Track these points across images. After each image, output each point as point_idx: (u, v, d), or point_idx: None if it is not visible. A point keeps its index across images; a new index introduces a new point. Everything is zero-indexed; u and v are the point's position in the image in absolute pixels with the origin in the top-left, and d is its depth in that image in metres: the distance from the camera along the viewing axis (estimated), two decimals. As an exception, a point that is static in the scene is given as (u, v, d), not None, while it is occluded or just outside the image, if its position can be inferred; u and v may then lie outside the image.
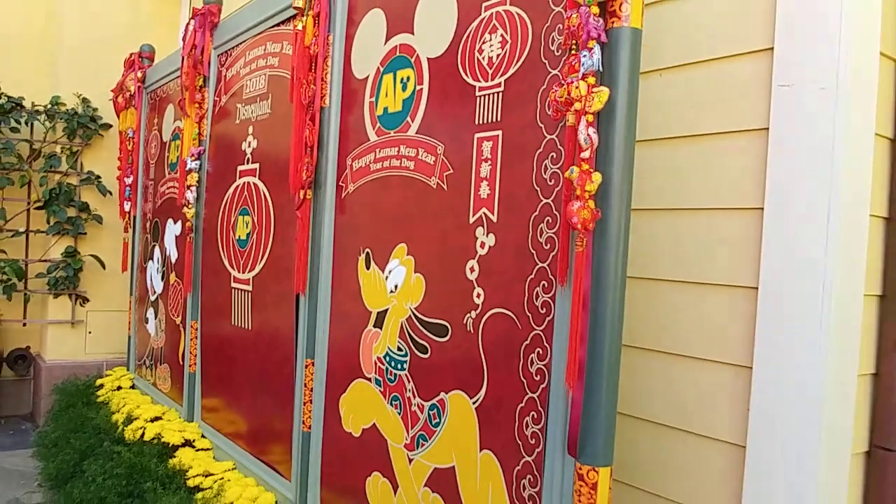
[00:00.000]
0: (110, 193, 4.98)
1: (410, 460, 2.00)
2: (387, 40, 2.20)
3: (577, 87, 1.42)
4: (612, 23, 1.45)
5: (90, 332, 5.03)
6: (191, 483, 2.92)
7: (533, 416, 1.62)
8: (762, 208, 1.62)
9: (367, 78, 2.29)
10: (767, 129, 1.61)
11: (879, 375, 1.68)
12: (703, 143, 1.78)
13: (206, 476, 2.98)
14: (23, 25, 5.03)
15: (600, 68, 1.41)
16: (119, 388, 4.38)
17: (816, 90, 1.52)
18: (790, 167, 1.57)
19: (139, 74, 4.52)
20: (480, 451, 1.76)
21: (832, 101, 1.51)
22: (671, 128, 1.86)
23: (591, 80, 1.41)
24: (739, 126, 1.69)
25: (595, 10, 1.41)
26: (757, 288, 1.63)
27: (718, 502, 1.72)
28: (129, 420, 3.64)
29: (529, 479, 1.62)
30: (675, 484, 1.86)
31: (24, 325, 5.00)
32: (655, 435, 1.91)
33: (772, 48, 1.62)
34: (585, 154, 1.41)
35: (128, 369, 4.65)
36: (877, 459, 1.66)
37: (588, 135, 1.41)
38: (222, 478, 2.93)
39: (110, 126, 5.00)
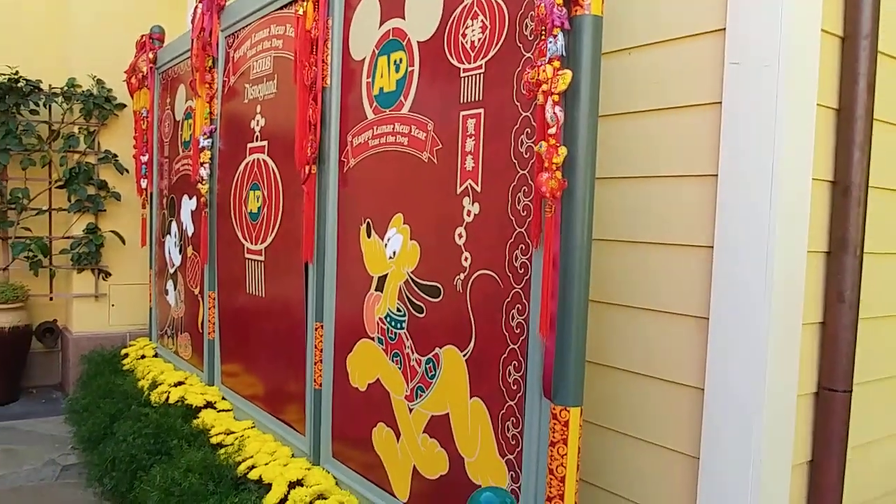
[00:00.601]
0: (127, 171, 5.19)
1: (410, 410, 2.20)
2: (381, 24, 2.36)
3: (543, 71, 1.59)
4: (576, 11, 1.61)
5: (113, 305, 5.28)
6: (213, 440, 3.15)
7: (514, 364, 1.82)
8: (716, 175, 1.80)
9: (363, 59, 2.46)
10: (720, 102, 1.78)
11: (826, 324, 1.86)
12: (666, 116, 1.94)
13: (228, 434, 3.21)
14: (36, 11, 5.21)
15: (563, 53, 1.57)
16: (143, 356, 4.63)
17: (761, 67, 1.68)
18: (740, 137, 1.74)
19: (150, 56, 4.69)
20: (471, 398, 1.96)
21: (774, 77, 1.66)
22: (638, 102, 2.02)
23: (556, 63, 1.58)
24: (697, 100, 1.85)
25: (559, 0, 1.57)
26: (712, 247, 1.81)
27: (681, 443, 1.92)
28: (154, 385, 3.88)
29: (513, 420, 1.82)
30: (639, 426, 2.06)
31: (51, 299, 5.26)
32: (623, 381, 2.11)
33: (724, 28, 1.78)
34: (552, 130, 1.58)
35: (150, 339, 4.89)
36: (824, 398, 1.85)
37: (554, 113, 1.58)
38: (242, 435, 3.16)
39: (125, 106, 5.19)
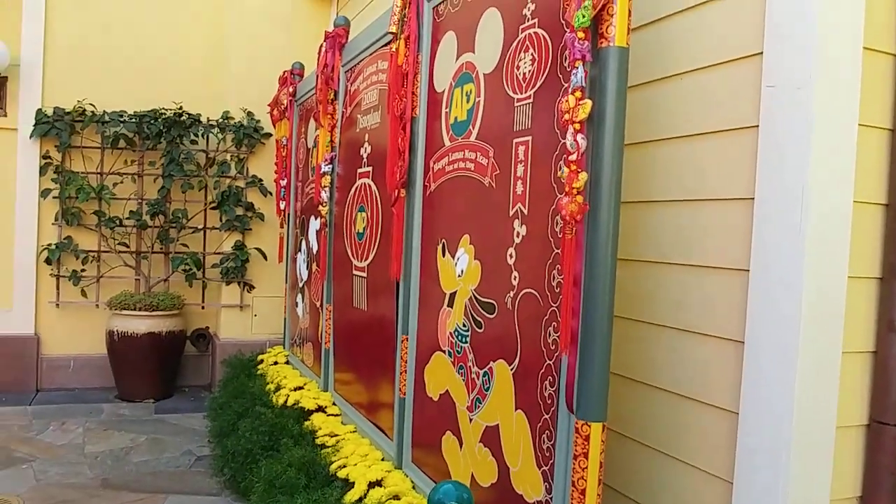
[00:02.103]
0: (270, 194, 5.72)
1: (470, 420, 2.33)
2: (457, 58, 2.54)
3: (566, 101, 1.69)
4: (602, 43, 1.70)
5: (255, 315, 5.81)
6: (318, 441, 3.42)
7: (550, 379, 1.90)
8: (753, 198, 1.79)
9: (443, 91, 2.64)
10: (758, 126, 1.78)
11: (877, 354, 1.78)
12: (707, 140, 1.96)
13: (332, 436, 3.47)
14: (198, 56, 5.90)
15: (584, 84, 1.67)
16: (275, 363, 5.06)
17: (794, 89, 1.67)
18: (774, 160, 1.73)
19: (290, 90, 5.17)
20: (515, 410, 2.06)
21: (808, 99, 1.65)
22: (683, 126, 2.05)
23: (578, 94, 1.68)
24: (736, 124, 1.86)
25: (580, 34, 1.67)
26: (748, 270, 1.80)
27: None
28: (277, 388, 4.25)
29: (547, 433, 1.90)
30: (673, 444, 2.07)
31: (203, 308, 5.87)
32: (660, 399, 2.13)
33: (762, 52, 1.78)
34: (573, 157, 1.68)
35: (283, 347, 5.33)
36: (875, 431, 1.77)
37: (575, 140, 1.67)
38: (343, 437, 3.42)
39: (270, 135, 5.73)
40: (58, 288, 5.63)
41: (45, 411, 5.07)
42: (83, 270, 5.61)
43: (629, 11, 1.70)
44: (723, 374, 1.91)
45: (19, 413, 5.02)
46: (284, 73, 5.26)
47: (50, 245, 5.54)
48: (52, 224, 5.59)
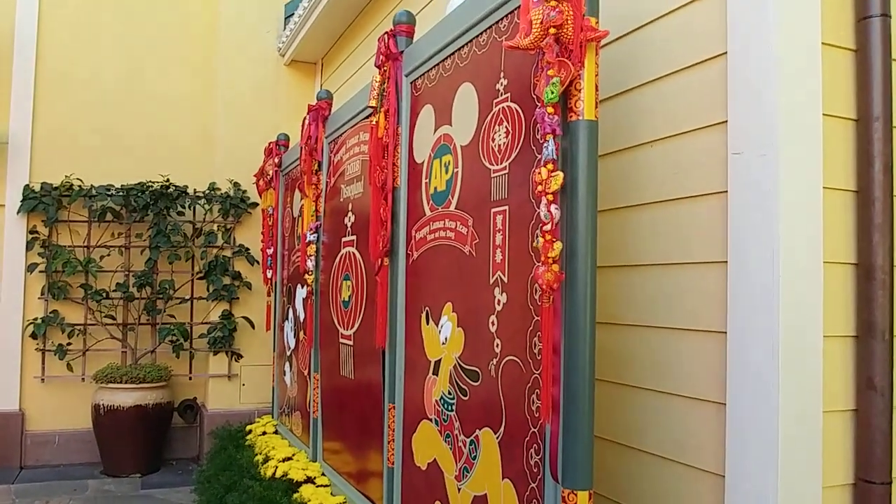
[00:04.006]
0: (257, 262, 5.75)
1: (459, 489, 2.31)
2: (435, 130, 2.61)
3: (539, 173, 1.74)
4: (571, 117, 1.76)
5: (244, 385, 5.76)
6: (307, 514, 3.37)
7: (535, 447, 1.90)
8: (726, 262, 1.84)
9: (423, 162, 2.70)
10: (727, 191, 1.84)
11: (858, 412, 1.80)
12: (680, 205, 2.02)
13: (321, 508, 3.42)
14: (184, 129, 6.01)
15: (554, 156, 1.72)
16: (264, 433, 4.99)
17: (758, 156, 1.73)
18: (743, 224, 1.78)
19: (276, 160, 5.25)
20: (503, 479, 2.05)
21: (773, 164, 1.71)
22: (657, 192, 2.11)
23: (550, 166, 1.73)
24: (707, 190, 1.92)
25: (550, 109, 1.73)
26: (725, 332, 1.83)
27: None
28: (266, 460, 4.19)
29: (535, 502, 1.89)
30: None
31: (190, 378, 5.82)
32: (647, 463, 2.13)
33: (726, 121, 1.85)
34: (547, 227, 1.72)
35: (272, 416, 5.27)
36: (861, 491, 1.77)
37: (549, 211, 1.72)
38: (333, 510, 3.36)
39: (256, 205, 5.79)
40: (43, 362, 5.58)
41: (28, 489, 4.96)
42: (69, 344, 5.57)
43: (596, 86, 1.76)
44: (707, 437, 1.92)
45: (2, 492, 4.90)
46: (270, 144, 5.35)
47: (36, 319, 5.51)
48: (39, 298, 5.58)
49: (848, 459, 1.82)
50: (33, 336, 5.51)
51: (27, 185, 5.55)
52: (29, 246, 5.56)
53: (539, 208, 1.88)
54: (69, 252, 5.54)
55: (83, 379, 5.61)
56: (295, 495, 3.62)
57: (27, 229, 5.58)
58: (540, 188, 1.74)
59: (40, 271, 5.54)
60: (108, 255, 5.68)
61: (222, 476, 4.22)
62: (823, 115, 1.81)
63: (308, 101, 6.02)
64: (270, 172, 5.29)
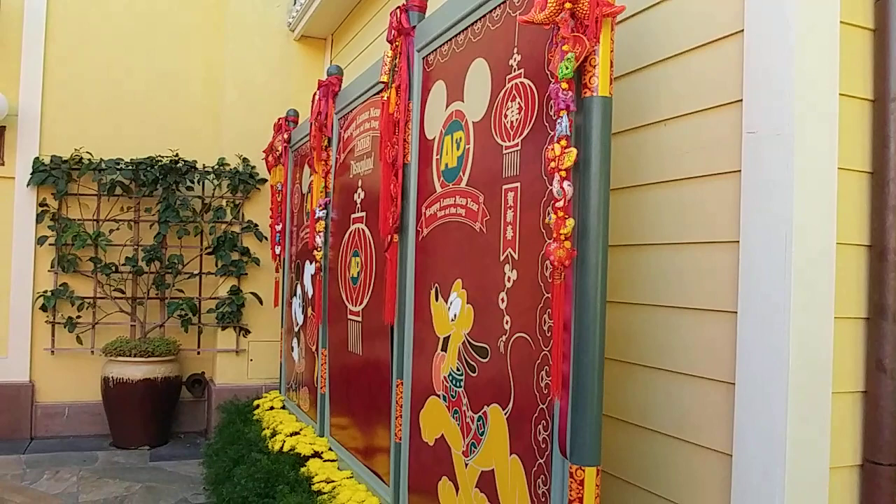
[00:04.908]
0: (265, 239, 5.75)
1: (466, 465, 2.33)
2: (447, 106, 2.60)
3: (552, 149, 1.73)
4: (585, 93, 1.75)
5: (251, 360, 5.80)
6: (315, 487, 3.40)
7: (543, 424, 1.91)
8: (738, 241, 1.83)
9: (434, 138, 2.69)
10: (740, 171, 1.83)
11: (867, 394, 1.80)
12: (692, 184, 2.01)
13: (328, 482, 3.45)
14: (194, 104, 6.00)
15: (568, 132, 1.71)
16: (271, 408, 5.03)
17: (773, 135, 1.72)
18: (756, 204, 1.77)
19: (285, 136, 5.24)
20: (510, 455, 2.06)
21: (788, 144, 1.70)
22: (669, 171, 2.10)
23: (563, 142, 1.72)
24: (720, 169, 1.91)
25: (564, 85, 1.72)
26: (736, 312, 1.83)
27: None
28: (273, 434, 4.23)
29: (542, 478, 1.91)
30: (671, 487, 2.07)
31: (198, 353, 5.86)
32: (657, 441, 2.14)
33: (741, 100, 1.84)
34: (560, 203, 1.71)
35: (280, 392, 5.31)
36: (868, 472, 1.78)
37: (562, 187, 1.71)
38: (340, 484, 3.39)
39: (265, 181, 5.79)
40: (53, 335, 5.63)
41: (39, 460, 5.02)
42: (79, 317, 5.61)
43: (611, 63, 1.75)
44: (715, 416, 1.93)
45: (13, 461, 4.97)
46: (279, 120, 5.34)
47: (45, 292, 5.55)
48: (49, 271, 5.61)
49: (856, 440, 1.82)
50: (43, 308, 5.55)
51: (37, 158, 5.56)
52: (39, 219, 5.58)
53: (552, 185, 1.87)
54: (79, 225, 5.56)
55: (92, 352, 5.66)
56: (302, 469, 3.65)
57: (37, 202, 5.60)
58: (553, 164, 1.73)
59: (50, 244, 5.56)
60: (118, 228, 5.70)
61: (230, 449, 4.26)
62: (840, 94, 1.79)
63: (317, 76, 6.01)
64: (280, 148, 5.28)
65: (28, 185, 5.54)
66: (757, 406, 1.79)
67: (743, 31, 1.89)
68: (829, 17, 1.80)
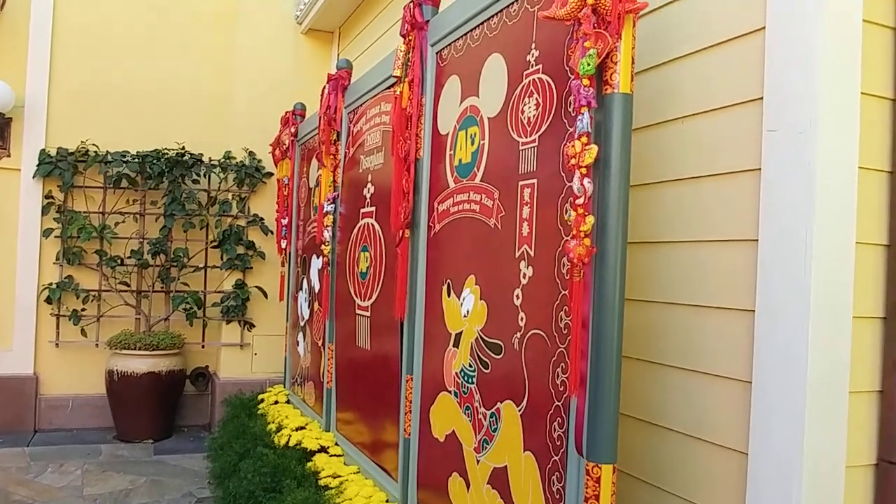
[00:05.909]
0: (271, 232, 5.75)
1: (478, 461, 2.33)
2: (461, 102, 2.59)
3: (572, 146, 1.72)
4: (606, 90, 1.74)
5: (256, 354, 5.80)
6: (321, 483, 3.40)
7: (559, 421, 1.90)
8: (756, 240, 1.82)
9: (447, 133, 2.68)
10: (760, 169, 1.82)
11: (883, 393, 1.80)
12: (712, 182, 2.00)
13: (335, 477, 3.44)
14: (200, 97, 5.98)
15: (589, 129, 1.70)
16: (276, 402, 5.03)
17: (795, 133, 1.71)
18: (776, 202, 1.77)
19: (292, 130, 5.23)
20: (524, 452, 2.06)
21: (808, 143, 1.69)
22: (689, 169, 2.09)
23: (584, 139, 1.71)
24: (739, 167, 1.90)
25: (585, 82, 1.71)
26: (754, 311, 1.82)
27: None
28: (279, 429, 4.23)
29: (557, 475, 1.90)
30: (687, 486, 2.06)
31: (203, 346, 5.86)
32: (671, 440, 2.13)
33: (762, 98, 1.83)
34: (580, 200, 1.70)
35: (284, 386, 5.30)
36: (883, 471, 1.77)
37: (582, 184, 1.70)
38: (347, 479, 3.39)
39: (271, 174, 5.78)
40: (58, 327, 5.62)
41: (43, 452, 5.02)
42: (83, 310, 5.61)
43: (633, 59, 1.74)
44: (732, 415, 1.92)
45: (17, 454, 4.97)
46: (286, 113, 5.32)
47: (51, 284, 5.54)
48: (54, 263, 5.61)
49: (871, 440, 1.82)
50: (48, 301, 5.55)
51: (43, 150, 5.55)
52: (44, 211, 5.57)
53: (572, 182, 1.86)
54: (84, 218, 5.55)
55: (97, 345, 5.66)
56: (308, 464, 3.65)
57: (43, 194, 5.59)
58: (573, 161, 1.72)
59: (55, 236, 5.56)
60: (123, 221, 5.69)
61: (235, 443, 4.25)
62: (861, 93, 1.78)
63: (325, 70, 6.00)
64: (286, 142, 5.27)
65: (34, 176, 5.53)
66: (774, 405, 1.79)
67: (764, 28, 1.88)
68: (851, 15, 1.79)
